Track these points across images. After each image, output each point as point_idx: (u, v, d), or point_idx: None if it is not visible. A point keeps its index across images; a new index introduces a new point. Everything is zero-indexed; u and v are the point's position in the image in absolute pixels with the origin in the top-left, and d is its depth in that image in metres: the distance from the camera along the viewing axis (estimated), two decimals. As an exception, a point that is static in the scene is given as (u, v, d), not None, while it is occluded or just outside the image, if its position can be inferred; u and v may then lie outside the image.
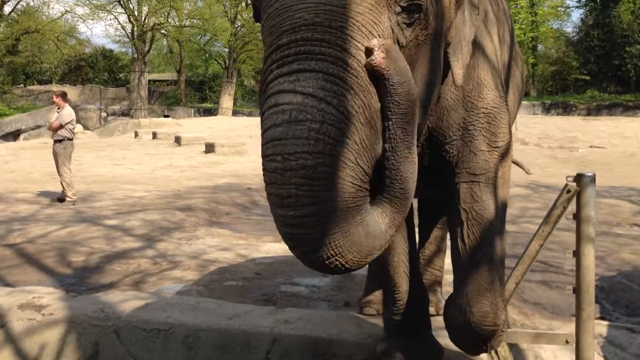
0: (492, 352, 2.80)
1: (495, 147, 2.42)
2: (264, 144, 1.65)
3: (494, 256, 2.43)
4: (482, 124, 2.39)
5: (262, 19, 1.81)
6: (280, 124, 1.59)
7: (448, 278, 3.55)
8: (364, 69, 1.64)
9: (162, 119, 29.93)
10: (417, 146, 2.30)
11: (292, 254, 1.73)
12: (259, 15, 1.88)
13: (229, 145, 16.33)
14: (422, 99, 1.94)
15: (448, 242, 2.77)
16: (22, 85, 40.18)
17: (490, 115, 2.41)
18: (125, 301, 3.53)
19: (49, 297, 3.62)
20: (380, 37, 1.69)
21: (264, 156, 1.65)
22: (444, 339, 2.73)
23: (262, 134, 1.66)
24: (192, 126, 26.19)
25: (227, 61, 37.87)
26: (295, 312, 3.41)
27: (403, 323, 2.79)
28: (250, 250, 5.62)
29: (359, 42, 1.64)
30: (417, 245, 3.14)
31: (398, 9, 1.75)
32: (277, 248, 5.55)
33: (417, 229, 3.37)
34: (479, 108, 2.39)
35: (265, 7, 1.77)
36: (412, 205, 2.87)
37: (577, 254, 2.78)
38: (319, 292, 4.24)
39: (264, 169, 1.66)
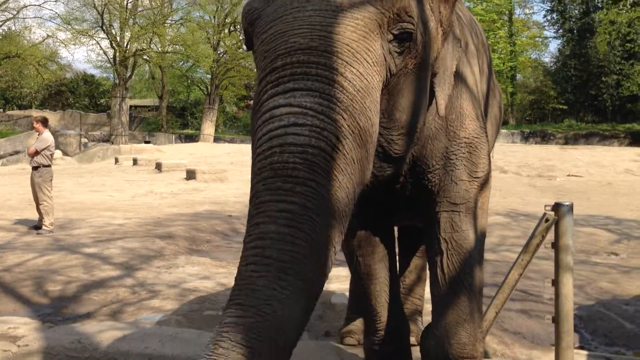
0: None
1: (475, 177, 2.44)
2: (258, 146, 1.59)
3: (473, 287, 2.44)
4: (463, 153, 2.41)
5: (256, 44, 1.81)
6: (277, 129, 1.56)
7: (429, 307, 3.55)
8: (359, 94, 1.65)
9: (143, 145, 29.80)
10: (401, 175, 2.33)
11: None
12: (251, 43, 1.88)
13: (210, 172, 16.27)
14: (408, 127, 1.96)
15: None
16: (1, 110, 39.79)
17: (472, 145, 2.43)
18: (103, 332, 3.46)
19: (25, 328, 3.54)
20: (373, 64, 1.71)
21: (258, 153, 1.58)
22: (425, 370, 2.71)
23: (257, 142, 1.61)
24: (173, 152, 26.09)
25: (209, 87, 37.90)
26: (276, 342, 3.37)
27: (384, 353, 2.78)
28: (230, 279, 5.54)
29: (354, 67, 1.66)
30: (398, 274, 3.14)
31: (390, 37, 1.79)
32: (257, 276, 5.49)
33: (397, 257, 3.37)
34: (461, 138, 2.41)
35: (259, 34, 1.78)
36: (393, 233, 2.89)
37: (555, 282, 2.81)
38: (299, 321, 4.19)
39: (255, 156, 1.59)
